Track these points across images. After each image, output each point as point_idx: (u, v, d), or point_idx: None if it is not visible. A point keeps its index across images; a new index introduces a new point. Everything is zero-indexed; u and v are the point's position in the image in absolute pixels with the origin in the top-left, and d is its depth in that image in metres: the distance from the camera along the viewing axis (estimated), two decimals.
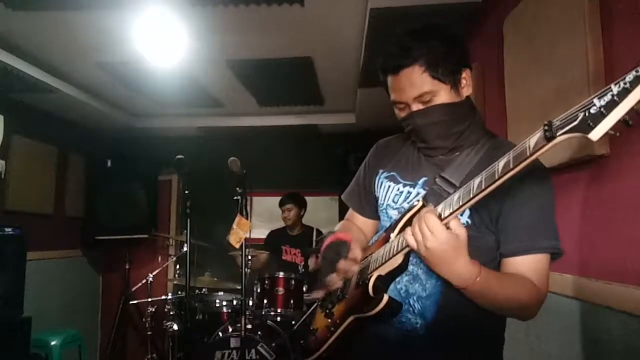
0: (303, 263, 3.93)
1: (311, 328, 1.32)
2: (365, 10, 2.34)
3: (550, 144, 0.75)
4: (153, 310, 3.72)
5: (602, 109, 0.68)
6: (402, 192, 1.23)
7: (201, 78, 3.59)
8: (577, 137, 0.72)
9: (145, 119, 4.69)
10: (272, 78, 3.55)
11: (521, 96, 1.79)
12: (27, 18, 2.58)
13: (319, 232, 4.14)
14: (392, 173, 1.28)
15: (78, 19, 2.57)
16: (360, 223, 1.45)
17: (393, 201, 1.24)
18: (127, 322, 4.54)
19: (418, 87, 1.09)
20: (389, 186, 1.27)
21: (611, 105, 0.67)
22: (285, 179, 4.99)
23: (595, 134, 0.69)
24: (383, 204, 1.28)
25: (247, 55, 3.17)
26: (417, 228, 0.93)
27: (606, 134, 0.68)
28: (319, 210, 4.68)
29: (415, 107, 1.12)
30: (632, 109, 0.66)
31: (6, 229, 3.08)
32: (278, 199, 4.31)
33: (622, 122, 0.67)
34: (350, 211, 1.48)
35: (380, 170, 1.32)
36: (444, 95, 1.10)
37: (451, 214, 0.93)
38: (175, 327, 3.50)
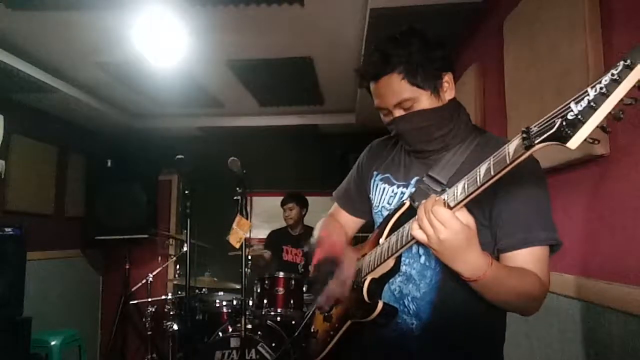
0: (303, 263, 3.93)
1: (312, 330, 1.32)
2: (365, 10, 2.34)
3: (528, 153, 0.74)
4: (153, 310, 3.72)
5: (579, 116, 0.65)
6: (396, 194, 1.23)
7: (201, 78, 3.59)
8: (554, 145, 0.70)
9: (145, 119, 4.68)
10: (272, 78, 3.55)
11: (521, 96, 1.79)
12: (27, 18, 2.58)
13: None
14: (386, 175, 1.29)
15: (78, 19, 2.57)
16: (344, 220, 1.45)
17: (388, 203, 1.25)
18: (127, 322, 4.54)
19: (397, 94, 1.10)
20: (384, 188, 1.27)
21: (588, 112, 0.64)
22: (285, 179, 4.99)
23: (573, 143, 0.66)
24: (378, 206, 1.28)
25: (247, 55, 3.17)
26: (426, 221, 0.89)
27: (584, 141, 0.66)
28: (318, 210, 4.63)
29: (397, 113, 1.13)
30: (609, 114, 0.63)
31: (6, 229, 3.08)
32: (278, 199, 4.31)
33: (600, 129, 0.64)
34: (336, 206, 1.49)
35: (375, 172, 1.33)
36: (424, 101, 1.10)
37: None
38: (175, 327, 3.50)
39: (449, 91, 1.15)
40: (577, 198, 1.48)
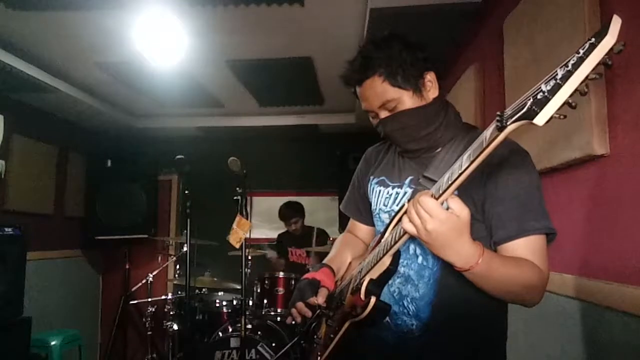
0: (311, 263, 3.94)
1: (315, 337, 1.33)
2: (365, 10, 2.34)
3: (502, 135, 0.76)
4: (153, 310, 3.72)
5: (546, 94, 0.68)
6: (391, 195, 1.25)
7: (201, 78, 3.59)
8: (524, 124, 0.72)
9: (145, 119, 4.69)
10: (272, 78, 3.55)
11: (521, 96, 1.79)
12: (27, 18, 2.58)
13: (321, 231, 4.15)
14: (381, 178, 1.31)
15: (78, 19, 2.57)
16: (361, 233, 1.47)
17: (384, 204, 1.26)
18: (127, 322, 4.54)
19: (380, 96, 1.14)
20: (380, 191, 1.29)
21: (555, 89, 0.67)
22: (285, 179, 4.99)
23: (540, 120, 0.69)
24: (376, 209, 1.30)
25: (247, 55, 3.17)
26: (414, 213, 0.90)
27: (551, 118, 0.68)
28: (318, 210, 4.67)
29: (383, 114, 1.17)
30: (575, 91, 0.66)
31: (6, 229, 3.07)
32: (278, 199, 4.32)
33: (567, 105, 0.67)
34: (351, 221, 1.51)
35: (371, 177, 1.35)
36: (407, 101, 1.14)
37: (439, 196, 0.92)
38: (175, 327, 3.50)
39: (432, 90, 1.17)
40: (577, 198, 1.48)
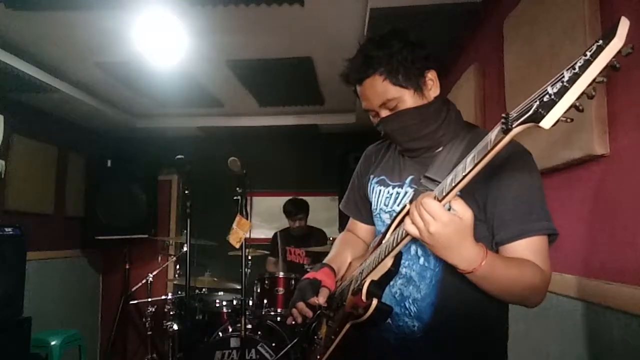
0: (309, 263, 3.93)
1: (315, 337, 1.33)
2: (365, 10, 2.34)
3: (507, 137, 0.75)
4: (153, 310, 3.72)
5: (553, 97, 0.67)
6: (391, 195, 1.24)
7: (201, 78, 3.59)
8: (530, 127, 0.72)
9: (145, 119, 4.68)
10: (272, 78, 3.55)
11: (521, 96, 1.79)
12: (27, 18, 2.58)
13: (323, 234, 4.14)
14: (381, 177, 1.30)
15: (78, 19, 2.57)
16: (361, 232, 1.46)
17: (384, 204, 1.25)
18: (127, 322, 4.55)
19: (381, 95, 1.12)
20: (380, 190, 1.28)
21: (562, 92, 0.66)
22: (285, 179, 4.99)
23: (547, 123, 0.68)
24: (376, 209, 1.29)
25: (247, 55, 3.17)
26: (417, 215, 0.90)
27: (558, 121, 0.68)
28: (318, 210, 4.67)
29: (383, 113, 1.15)
30: (582, 94, 0.65)
31: (6, 229, 3.07)
32: (278, 199, 4.30)
33: (574, 108, 0.66)
34: (351, 220, 1.49)
35: (371, 176, 1.34)
36: (408, 99, 1.12)
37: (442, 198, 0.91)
38: (175, 327, 3.50)
39: (433, 89, 1.16)
40: (577, 198, 1.48)
